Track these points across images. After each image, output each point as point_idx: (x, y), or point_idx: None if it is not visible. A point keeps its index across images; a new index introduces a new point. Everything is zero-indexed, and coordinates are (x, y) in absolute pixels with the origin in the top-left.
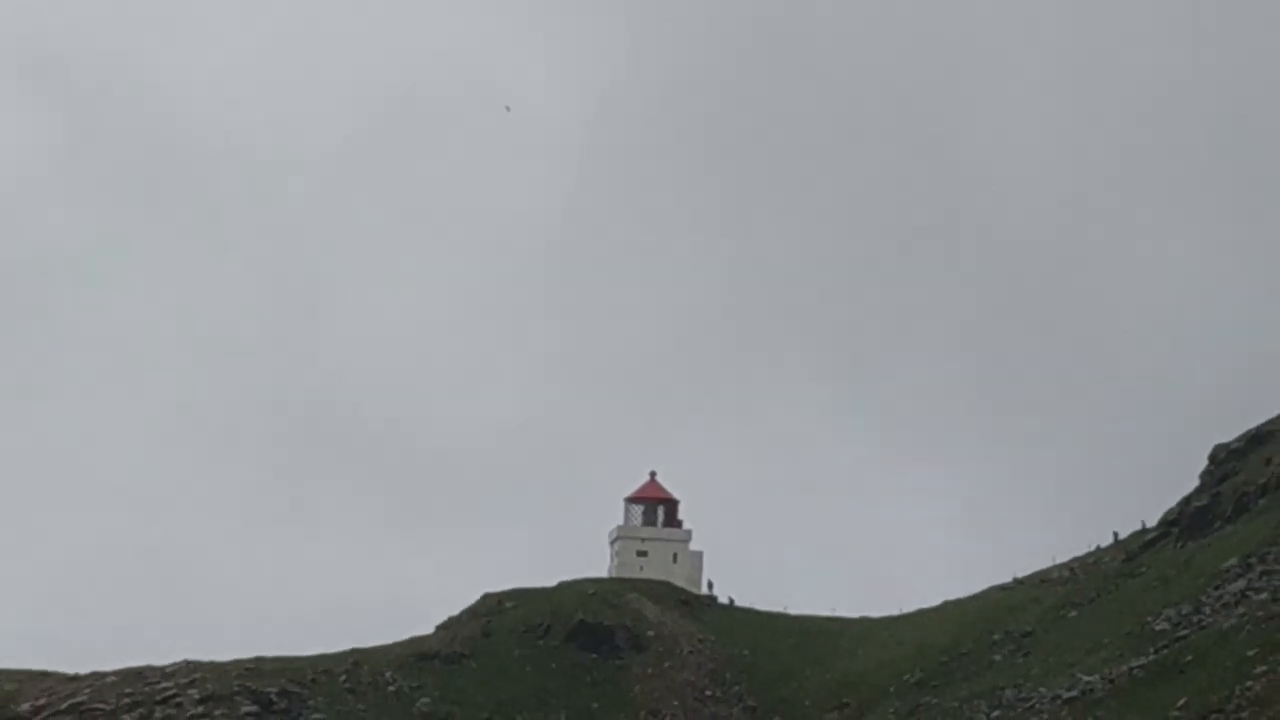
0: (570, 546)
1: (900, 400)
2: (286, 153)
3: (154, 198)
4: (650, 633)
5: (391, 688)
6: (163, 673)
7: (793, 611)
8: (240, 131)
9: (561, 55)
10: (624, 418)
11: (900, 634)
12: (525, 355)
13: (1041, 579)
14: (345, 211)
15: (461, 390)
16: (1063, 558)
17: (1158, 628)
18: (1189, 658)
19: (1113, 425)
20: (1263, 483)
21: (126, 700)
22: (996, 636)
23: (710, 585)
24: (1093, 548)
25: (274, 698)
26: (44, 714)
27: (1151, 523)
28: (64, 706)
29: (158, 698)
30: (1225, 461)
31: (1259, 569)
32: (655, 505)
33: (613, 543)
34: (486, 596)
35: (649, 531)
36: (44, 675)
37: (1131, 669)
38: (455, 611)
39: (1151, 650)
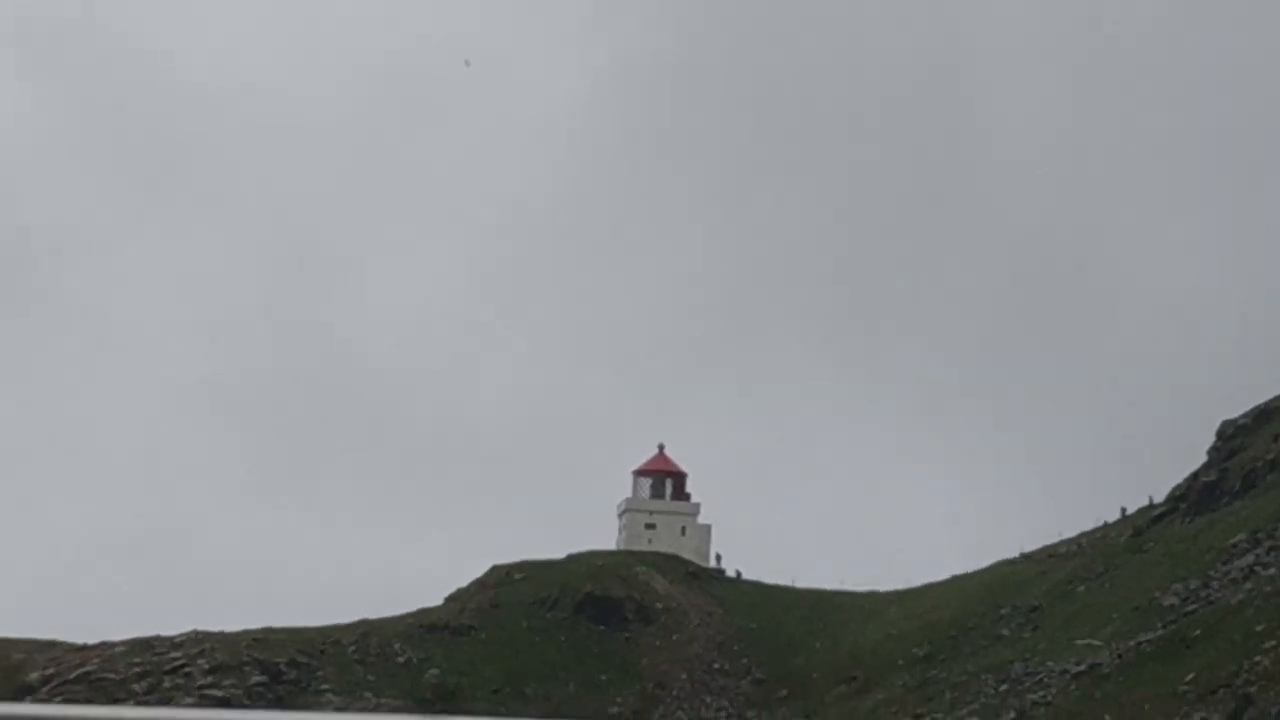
0: (579, 519)
1: (908, 377)
2: (290, 129)
3: (156, 175)
4: (658, 605)
5: (400, 659)
6: (171, 643)
7: (800, 585)
8: (243, 107)
9: (563, 33)
10: (632, 392)
11: (908, 608)
12: (533, 331)
13: (1049, 554)
14: (348, 190)
15: (469, 366)
16: (1070, 533)
17: (1165, 603)
18: (1197, 632)
19: (1120, 401)
20: (1270, 458)
21: (135, 670)
22: (1004, 611)
23: (718, 558)
24: (1100, 523)
25: (283, 668)
26: (52, 684)
27: (1159, 498)
28: (73, 676)
29: (166, 667)
30: (1233, 437)
31: (1267, 544)
32: (664, 478)
33: (621, 515)
34: (495, 569)
35: (657, 504)
36: (52, 645)
37: (1139, 643)
38: (464, 583)
39: (1159, 625)
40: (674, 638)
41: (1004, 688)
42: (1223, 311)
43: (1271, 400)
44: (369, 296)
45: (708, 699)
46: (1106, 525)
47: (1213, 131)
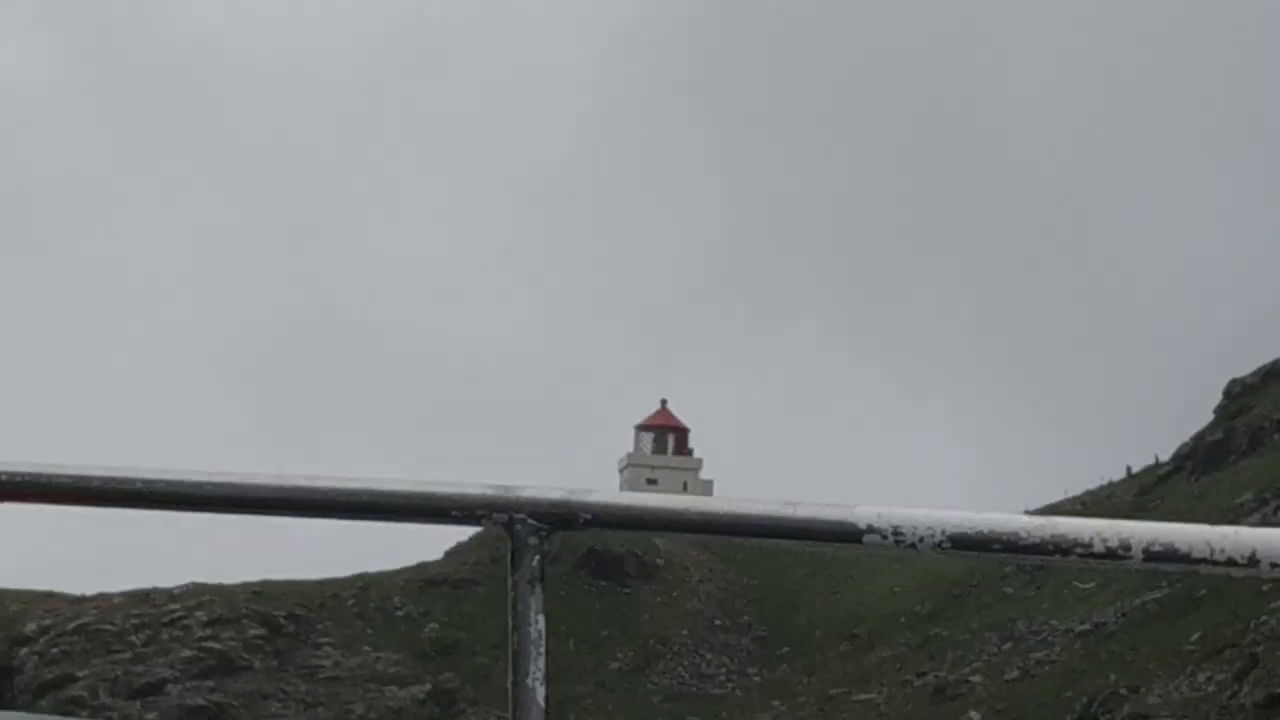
0: (580, 474)
1: (912, 333)
2: (300, 79)
3: (160, 128)
4: (660, 561)
5: (400, 613)
6: (170, 595)
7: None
8: (253, 56)
9: None
10: (636, 347)
11: (911, 566)
12: (537, 285)
13: (1052, 511)
14: (358, 141)
15: (472, 320)
16: (1075, 491)
17: None
18: (1203, 592)
19: (1126, 359)
20: (1278, 418)
21: (133, 622)
22: (1008, 569)
23: None
24: (1105, 482)
25: (282, 621)
26: (49, 634)
27: (1165, 457)
28: (70, 628)
29: (165, 619)
30: (1240, 396)
31: (1274, 504)
32: (665, 433)
33: (622, 470)
34: None
35: (659, 459)
36: (49, 596)
37: (1144, 603)
38: (464, 538)
39: (1165, 584)
40: (675, 594)
41: (1007, 646)
42: (1232, 270)
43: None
44: (376, 248)
45: (708, 655)
46: (1112, 484)
47: (1237, 92)
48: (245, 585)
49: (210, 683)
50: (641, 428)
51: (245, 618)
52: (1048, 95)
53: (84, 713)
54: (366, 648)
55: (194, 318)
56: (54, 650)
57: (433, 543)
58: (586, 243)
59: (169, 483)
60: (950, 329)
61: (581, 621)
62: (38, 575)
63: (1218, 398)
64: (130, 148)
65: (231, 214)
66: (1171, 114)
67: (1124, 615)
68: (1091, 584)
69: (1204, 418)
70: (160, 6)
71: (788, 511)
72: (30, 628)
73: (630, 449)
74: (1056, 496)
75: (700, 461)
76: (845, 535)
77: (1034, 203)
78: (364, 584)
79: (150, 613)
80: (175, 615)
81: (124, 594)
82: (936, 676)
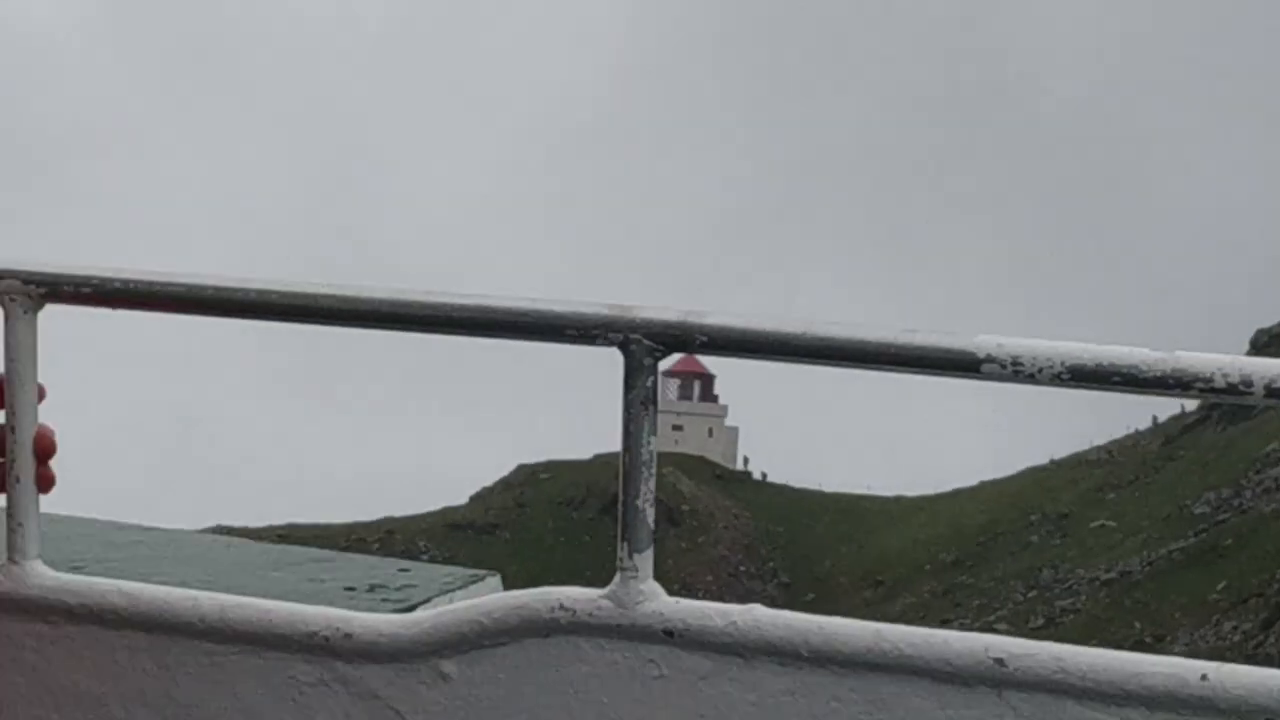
0: (606, 420)
1: (940, 281)
2: (329, 23)
3: (194, 66)
4: (685, 507)
5: (424, 557)
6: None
7: (828, 489)
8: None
9: None
10: (663, 292)
11: (936, 513)
12: (564, 230)
13: (1079, 461)
14: (386, 86)
15: (499, 264)
16: (1100, 440)
17: (1197, 511)
18: (1229, 541)
19: (1152, 308)
20: None
21: None
22: (1033, 518)
23: (745, 461)
24: (1131, 430)
25: None
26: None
27: (1191, 407)
28: None
29: None
30: (1267, 346)
31: None
32: (691, 379)
33: None
34: (521, 468)
35: (685, 406)
36: None
37: (1170, 552)
38: (489, 482)
39: (1190, 534)
40: (700, 540)
41: (1032, 594)
42: (1260, 220)
43: None
44: (404, 190)
45: (732, 602)
46: (1138, 433)
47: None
48: (270, 528)
49: None
50: (667, 374)
51: None
52: (1078, 37)
53: None
54: None
55: (222, 257)
56: None
57: (457, 489)
58: (611, 186)
59: (283, 294)
60: (975, 279)
61: (606, 565)
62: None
63: (1244, 348)
64: (158, 87)
65: (260, 152)
66: (1205, 58)
67: (1149, 564)
68: (1117, 533)
69: None
70: None
71: (906, 339)
72: None
73: None
74: (1082, 445)
75: (726, 408)
76: (963, 365)
77: (1061, 150)
78: (389, 528)
79: None
80: None
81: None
82: (961, 624)
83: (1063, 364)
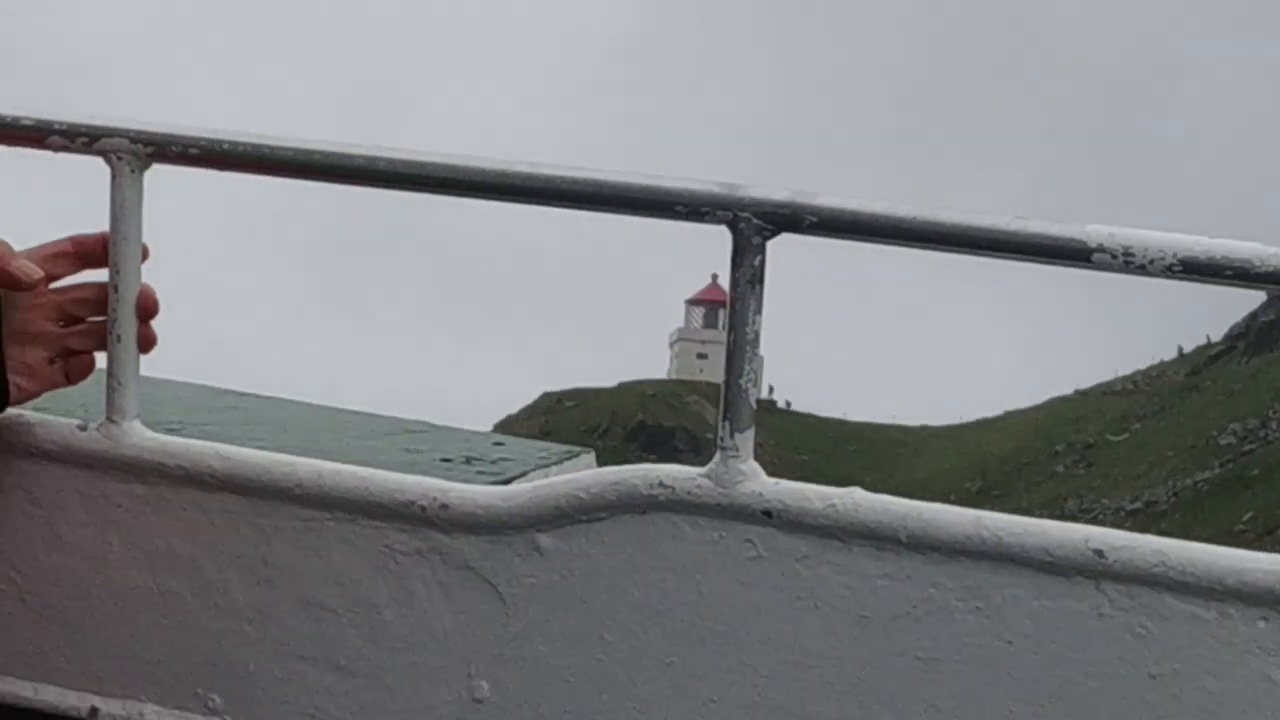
0: (630, 348)
1: (968, 208)
2: None
3: None
4: (709, 435)
5: None
6: None
7: (853, 419)
8: None
9: None
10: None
11: (961, 443)
12: (591, 157)
13: (1104, 391)
14: (415, 13)
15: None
16: (1126, 371)
17: (1223, 441)
18: (1255, 472)
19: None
20: None
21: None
22: (1058, 448)
23: (770, 390)
24: (1156, 361)
25: None
26: None
27: (1217, 337)
28: None
29: None
30: None
31: None
32: (716, 308)
33: (673, 345)
34: (546, 396)
35: (709, 334)
36: None
37: (1196, 482)
38: (514, 410)
39: (1216, 464)
40: None
41: None
42: None
43: None
44: (431, 119)
45: None
46: (1163, 363)
47: None
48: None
49: None
50: (692, 302)
51: None
52: None
53: None
54: None
55: (250, 188)
56: None
57: (482, 414)
58: (643, 115)
59: (390, 160)
60: (1006, 203)
61: None
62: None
63: None
64: (184, 14)
65: (292, 83)
66: None
67: (1175, 494)
68: (1144, 465)
69: (1256, 298)
70: None
71: (1018, 225)
72: None
73: (681, 323)
74: (1107, 376)
75: None
76: (1074, 253)
77: (1086, 80)
78: None
79: None
80: None
81: None
82: None
83: (1175, 256)
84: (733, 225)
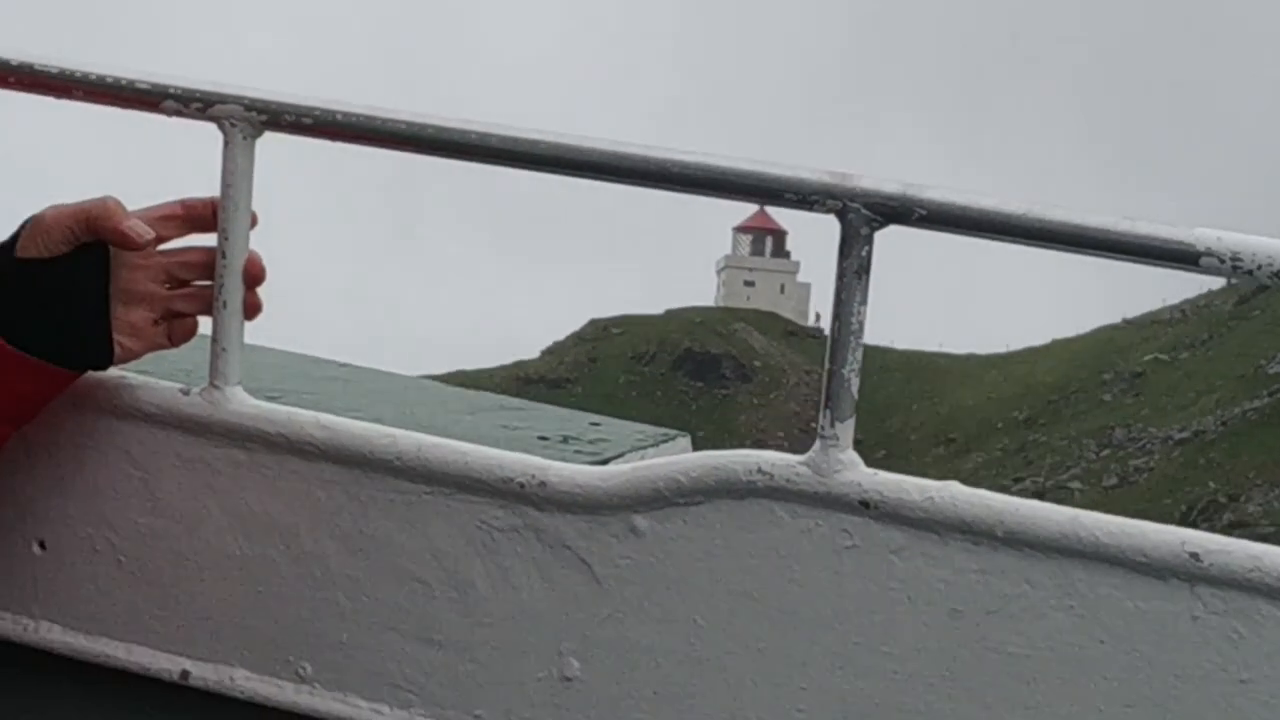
0: (679, 276)
1: (1015, 132)
2: None
3: None
4: (756, 363)
5: None
6: None
7: (899, 346)
8: None
9: None
10: (734, 146)
11: (1007, 371)
12: (642, 83)
13: (1151, 320)
14: None
15: (577, 117)
16: (1173, 299)
17: (1271, 370)
18: None
19: (1228, 167)
20: None
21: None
22: (1106, 376)
23: (817, 317)
24: (1204, 290)
25: None
26: None
27: None
28: None
29: None
30: None
31: None
32: (764, 235)
33: (720, 272)
34: (593, 322)
35: (756, 261)
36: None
37: (1245, 411)
38: (560, 337)
39: (1265, 393)
40: (771, 396)
41: (1105, 453)
42: None
43: None
44: (480, 41)
45: None
46: (1211, 293)
47: None
48: None
49: None
50: (740, 229)
51: None
52: None
53: None
54: None
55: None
56: None
57: (528, 341)
58: (692, 40)
59: (503, 138)
60: (1054, 134)
61: (678, 421)
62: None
63: None
64: None
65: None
66: None
67: (1224, 424)
68: (1192, 393)
69: None
70: None
71: (1126, 227)
72: None
73: (728, 250)
74: (1155, 304)
75: (798, 264)
76: (1182, 256)
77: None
78: (461, 381)
79: None
80: None
81: None
82: (1034, 482)
83: None
84: (841, 215)
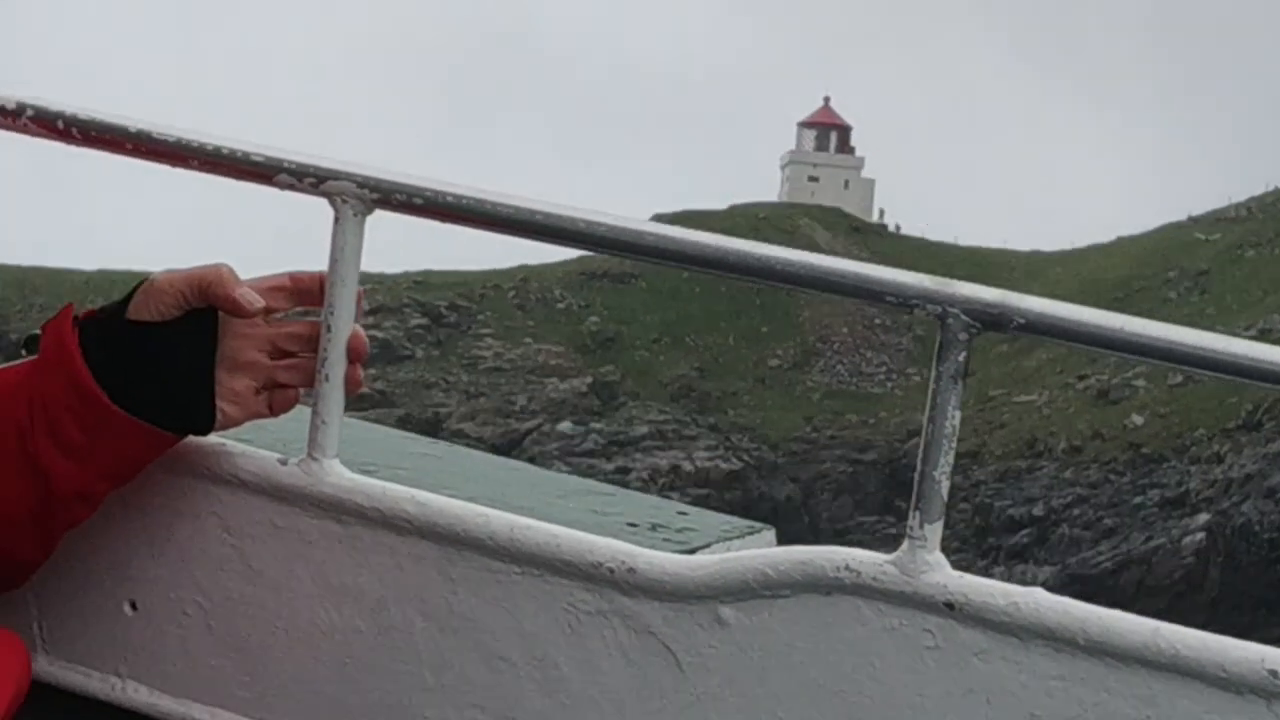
0: (742, 171)
1: (1081, 34)
2: None
3: None
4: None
5: (560, 305)
6: None
7: (963, 242)
8: None
9: None
10: (800, 44)
11: (1072, 268)
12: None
13: (1217, 218)
14: None
15: (644, 16)
16: (1239, 197)
17: None
18: None
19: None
20: None
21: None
22: (1171, 274)
23: (881, 213)
24: (1270, 188)
25: (443, 311)
26: None
27: None
28: None
29: None
30: None
31: None
32: (828, 130)
33: (784, 168)
34: (656, 218)
35: (821, 157)
36: None
37: None
38: None
39: None
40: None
41: None
42: None
43: None
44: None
45: (868, 354)
46: (1277, 190)
47: None
48: (406, 275)
49: (373, 370)
50: (804, 125)
51: (407, 306)
52: None
53: None
54: (527, 340)
55: (365, 8)
56: None
57: None
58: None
59: (610, 227)
60: (1118, 33)
61: (742, 316)
62: (198, 253)
63: None
64: None
65: None
66: None
67: None
68: (1259, 292)
69: None
70: None
71: (1223, 345)
72: None
73: (792, 146)
74: (1220, 203)
75: (862, 160)
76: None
77: None
78: (524, 276)
79: None
80: None
81: None
82: (1099, 379)
83: None
84: (941, 320)
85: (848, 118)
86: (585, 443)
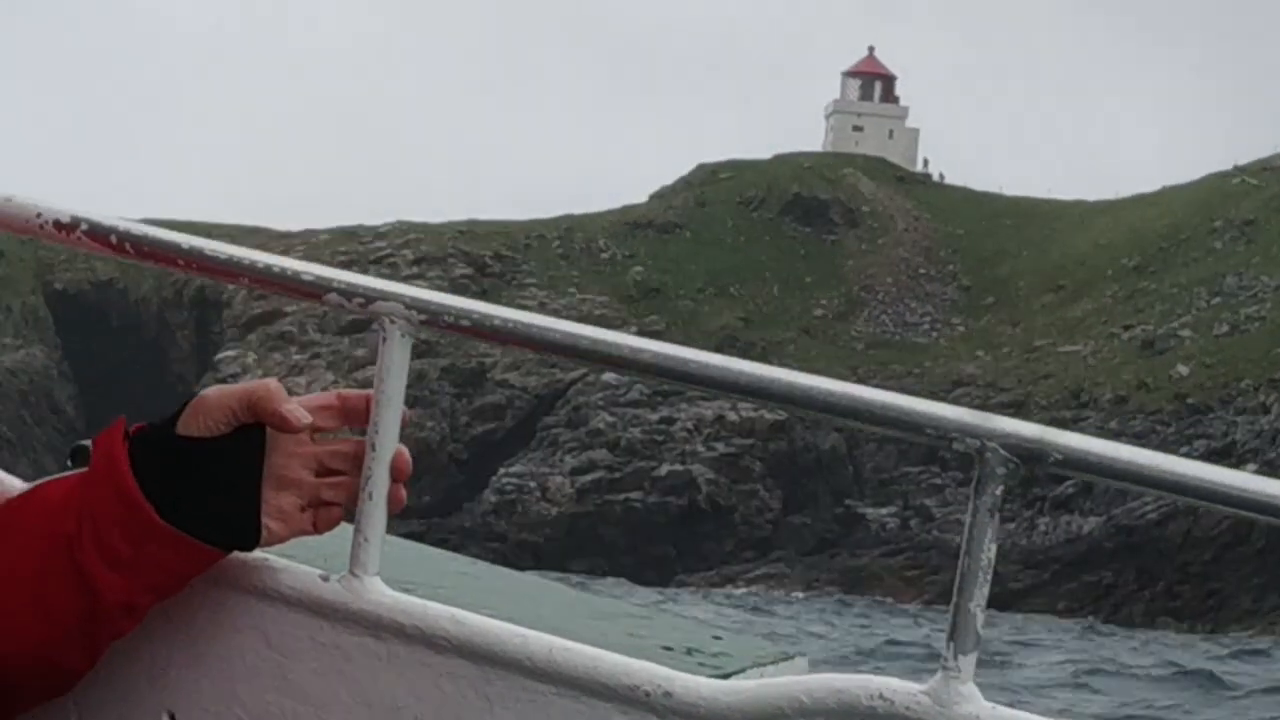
0: (787, 120)
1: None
2: None
3: None
4: (865, 208)
5: (604, 255)
6: (376, 232)
7: (1008, 192)
8: None
9: None
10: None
11: (1117, 218)
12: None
13: (1263, 167)
14: None
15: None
16: None
17: None
18: None
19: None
20: None
21: (340, 260)
22: (1217, 224)
23: (925, 163)
24: None
25: (488, 261)
26: None
27: None
28: None
29: (371, 257)
30: None
31: None
32: (873, 80)
33: (828, 117)
34: (701, 167)
35: (865, 106)
36: (255, 231)
37: None
38: (669, 181)
39: None
40: (879, 242)
41: (1216, 301)
42: None
43: None
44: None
45: (913, 304)
46: None
47: None
48: (451, 224)
49: None
50: (849, 74)
51: (451, 256)
52: None
53: (292, 349)
54: (572, 289)
55: None
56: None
57: (636, 185)
58: None
59: (655, 354)
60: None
61: (786, 266)
62: (244, 210)
63: None
64: None
65: None
66: None
67: None
68: None
69: None
70: None
71: (1262, 486)
72: None
73: (837, 95)
74: (1266, 152)
75: (906, 109)
76: None
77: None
78: (569, 225)
79: (357, 250)
80: (382, 253)
81: (330, 230)
82: (1144, 330)
83: None
84: (979, 454)
85: (892, 67)
86: (630, 393)
